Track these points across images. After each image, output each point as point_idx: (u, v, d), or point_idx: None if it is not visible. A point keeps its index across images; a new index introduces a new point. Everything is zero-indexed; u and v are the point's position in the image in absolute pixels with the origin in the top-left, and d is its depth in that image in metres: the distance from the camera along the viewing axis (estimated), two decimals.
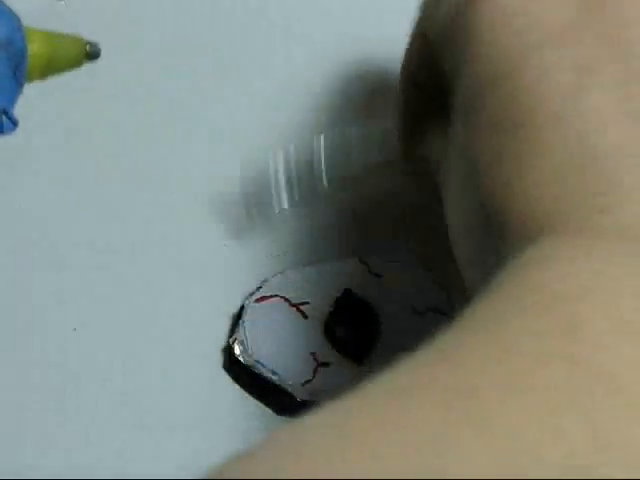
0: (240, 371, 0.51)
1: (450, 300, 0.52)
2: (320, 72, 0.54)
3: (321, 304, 0.52)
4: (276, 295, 0.52)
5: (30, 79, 0.38)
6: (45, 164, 0.52)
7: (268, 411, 0.50)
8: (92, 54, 0.41)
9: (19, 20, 0.37)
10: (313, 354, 0.50)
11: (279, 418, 0.50)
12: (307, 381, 0.49)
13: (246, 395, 0.50)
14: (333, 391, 0.49)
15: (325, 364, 0.50)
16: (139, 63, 0.55)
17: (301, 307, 0.52)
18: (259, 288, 0.53)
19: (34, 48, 0.37)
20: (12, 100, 0.36)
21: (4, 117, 0.36)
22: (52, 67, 0.39)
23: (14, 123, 0.36)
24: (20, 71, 0.36)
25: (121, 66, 0.53)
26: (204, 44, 0.56)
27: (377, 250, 0.54)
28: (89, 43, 0.41)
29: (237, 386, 0.50)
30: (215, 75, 0.55)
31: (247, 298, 0.52)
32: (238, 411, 0.50)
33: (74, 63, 0.40)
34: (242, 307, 0.52)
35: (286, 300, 0.52)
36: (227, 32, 0.55)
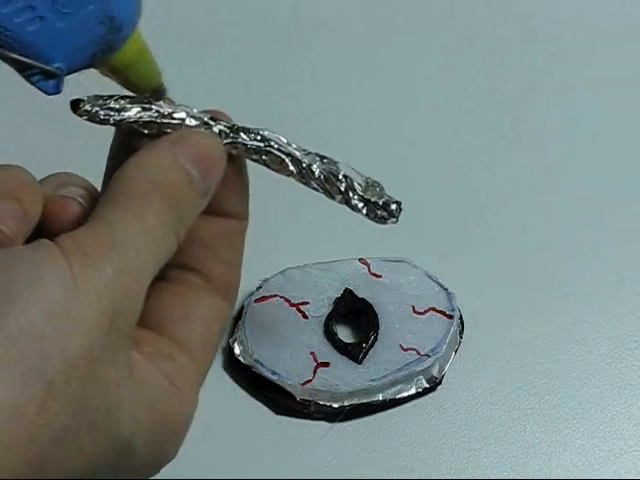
0: (240, 371, 0.50)
1: (450, 300, 0.52)
2: None
3: (321, 304, 0.52)
4: (276, 295, 0.52)
5: (99, 66, 0.37)
6: None
7: (268, 411, 0.50)
8: (158, 92, 0.40)
9: (140, 11, 0.37)
10: (313, 354, 0.50)
11: (279, 418, 0.50)
12: (307, 381, 0.49)
13: (246, 395, 0.50)
14: (333, 391, 0.49)
15: (325, 364, 0.50)
16: None
17: (301, 307, 0.52)
18: (259, 288, 0.52)
19: (127, 47, 0.37)
20: (72, 67, 0.36)
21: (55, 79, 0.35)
22: (123, 71, 0.38)
23: (58, 89, 0.36)
24: (99, 51, 0.36)
25: None
26: None
27: (377, 250, 0.54)
28: (163, 83, 0.40)
29: (237, 386, 0.50)
30: None
31: (247, 298, 0.52)
32: (238, 411, 0.50)
33: (140, 83, 0.39)
34: (242, 307, 0.52)
35: (286, 300, 0.52)
36: None
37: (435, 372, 0.51)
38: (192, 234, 0.36)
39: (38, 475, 0.30)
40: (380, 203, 0.38)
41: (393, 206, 0.38)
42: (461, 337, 0.52)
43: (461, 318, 0.52)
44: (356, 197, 0.38)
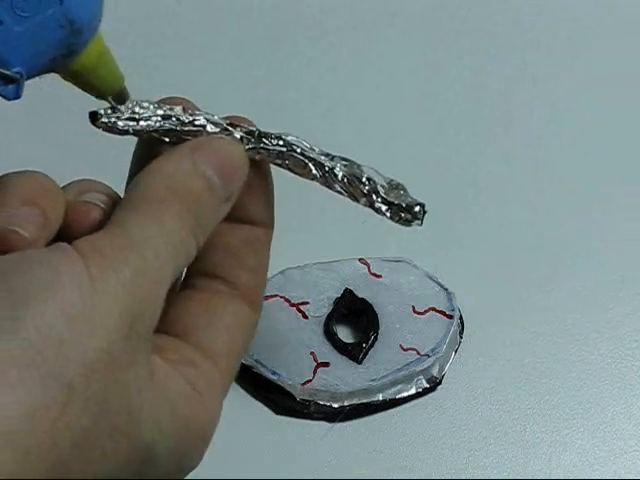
0: (240, 371, 0.50)
1: (450, 300, 0.52)
2: None
3: (321, 304, 0.52)
4: (276, 295, 0.52)
5: (59, 70, 0.37)
6: None
7: (268, 411, 0.50)
8: (120, 95, 0.39)
9: (101, 14, 0.36)
10: (313, 354, 0.50)
11: (279, 418, 0.50)
12: (307, 381, 0.49)
13: (246, 395, 0.50)
14: (333, 391, 0.49)
15: (325, 364, 0.50)
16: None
17: (301, 307, 0.52)
18: None
19: (88, 50, 0.36)
20: (31, 72, 0.36)
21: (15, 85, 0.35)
22: (84, 74, 0.37)
23: (18, 94, 0.36)
24: (59, 55, 0.36)
25: None
26: None
27: (377, 250, 0.54)
28: (125, 87, 0.39)
29: (237, 386, 0.50)
30: None
31: None
32: (238, 411, 0.50)
33: (102, 87, 0.38)
34: None
35: (286, 300, 0.52)
36: None
37: (435, 372, 0.51)
38: (217, 241, 0.36)
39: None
40: (403, 205, 0.37)
41: (417, 208, 0.38)
42: (461, 337, 0.52)
43: (461, 318, 0.52)
44: (380, 200, 0.37)
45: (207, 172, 0.35)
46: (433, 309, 0.52)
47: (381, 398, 0.50)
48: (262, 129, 0.37)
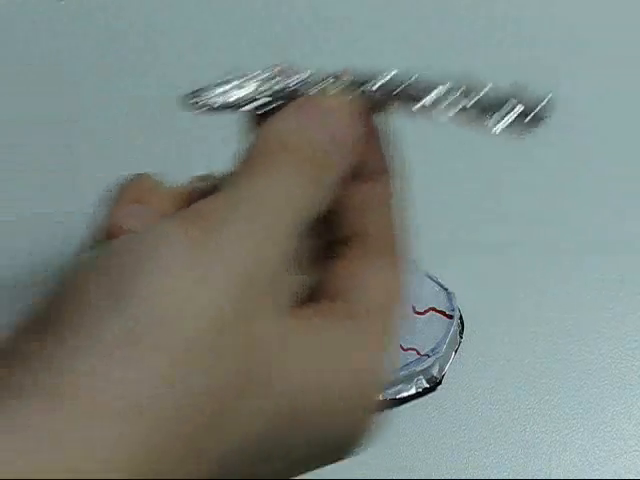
0: None
1: (450, 300, 0.52)
2: None
3: None
4: None
5: None
6: None
7: None
8: None
9: None
10: None
11: None
12: None
13: None
14: None
15: None
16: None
17: None
18: None
19: None
20: None
21: None
22: None
23: None
24: None
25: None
26: None
27: None
28: None
29: None
30: None
31: None
32: None
33: None
34: None
35: None
36: None
37: (435, 372, 0.51)
38: (341, 204, 0.35)
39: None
40: (521, 111, 0.36)
41: (539, 107, 0.37)
42: (461, 337, 0.52)
43: (461, 318, 0.52)
44: (498, 116, 0.36)
45: (316, 129, 0.34)
46: (433, 309, 0.52)
47: (381, 398, 0.50)
48: (361, 76, 0.36)
